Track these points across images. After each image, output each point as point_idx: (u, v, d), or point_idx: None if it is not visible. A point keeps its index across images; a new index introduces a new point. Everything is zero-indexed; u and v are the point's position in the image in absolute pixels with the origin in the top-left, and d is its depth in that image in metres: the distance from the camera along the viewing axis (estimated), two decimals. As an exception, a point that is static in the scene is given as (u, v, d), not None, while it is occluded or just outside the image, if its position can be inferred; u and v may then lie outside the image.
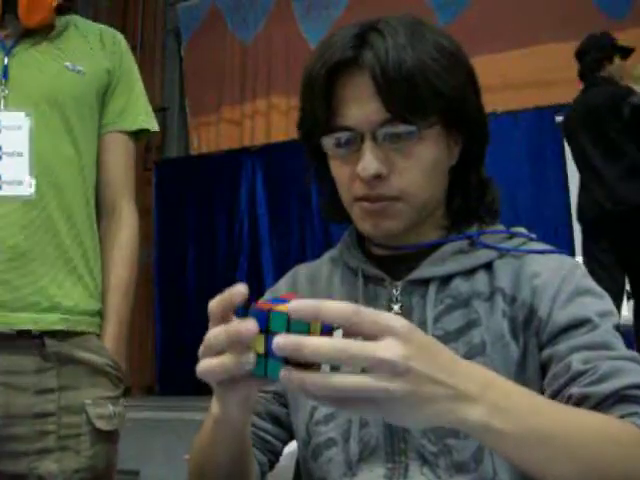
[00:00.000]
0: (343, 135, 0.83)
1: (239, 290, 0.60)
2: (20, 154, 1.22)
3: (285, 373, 0.55)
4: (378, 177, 0.81)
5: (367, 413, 0.59)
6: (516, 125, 4.52)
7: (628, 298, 3.34)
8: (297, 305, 0.55)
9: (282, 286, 0.98)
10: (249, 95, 5.68)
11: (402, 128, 0.80)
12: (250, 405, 0.70)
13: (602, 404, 0.72)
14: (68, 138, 1.27)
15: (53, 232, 1.23)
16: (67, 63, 1.29)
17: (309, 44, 5.32)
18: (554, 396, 0.75)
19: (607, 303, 0.82)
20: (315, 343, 0.54)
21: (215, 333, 0.61)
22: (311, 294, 0.94)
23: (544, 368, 0.80)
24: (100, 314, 1.29)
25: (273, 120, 5.55)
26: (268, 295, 0.98)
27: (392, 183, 0.82)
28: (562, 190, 4.35)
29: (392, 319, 0.56)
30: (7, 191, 1.19)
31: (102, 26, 1.42)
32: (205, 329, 0.63)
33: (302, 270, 0.98)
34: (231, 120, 5.75)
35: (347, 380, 0.55)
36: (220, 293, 0.62)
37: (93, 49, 1.35)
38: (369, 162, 0.80)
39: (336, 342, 0.55)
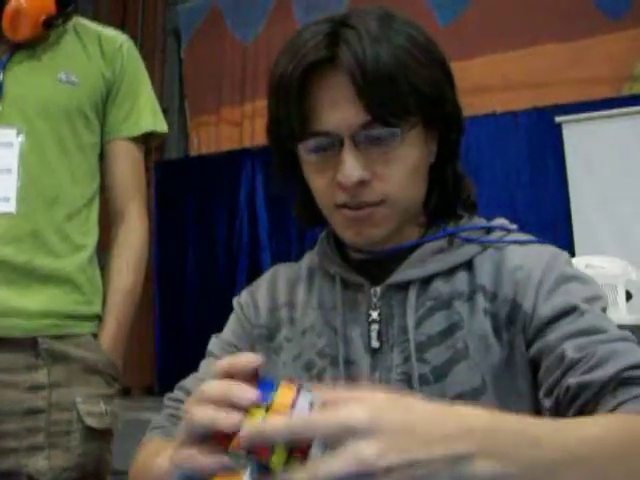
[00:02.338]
0: (320, 140, 0.78)
1: (252, 359, 0.60)
2: (9, 171, 1.21)
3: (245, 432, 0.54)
4: (361, 183, 0.77)
5: None
6: (515, 125, 4.52)
7: (627, 298, 3.34)
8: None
9: (261, 286, 0.95)
10: (249, 96, 5.67)
11: (384, 131, 0.76)
12: None
13: (603, 390, 0.69)
14: (59, 151, 1.26)
15: (44, 244, 1.22)
16: (61, 75, 1.27)
17: (309, 45, 5.32)
18: (552, 389, 0.73)
19: (594, 288, 0.79)
20: (272, 421, 0.53)
21: (212, 385, 0.59)
22: (290, 297, 0.91)
23: (535, 363, 0.77)
24: (99, 317, 1.28)
25: (273, 121, 5.55)
26: (246, 296, 0.95)
27: (375, 188, 0.78)
28: (561, 190, 4.35)
29: (350, 416, 0.51)
30: None
31: (103, 30, 1.38)
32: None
33: (281, 271, 0.95)
34: (231, 121, 5.75)
35: (330, 466, 0.50)
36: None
37: (91, 57, 1.32)
38: (351, 169, 0.76)
39: (294, 422, 0.53)
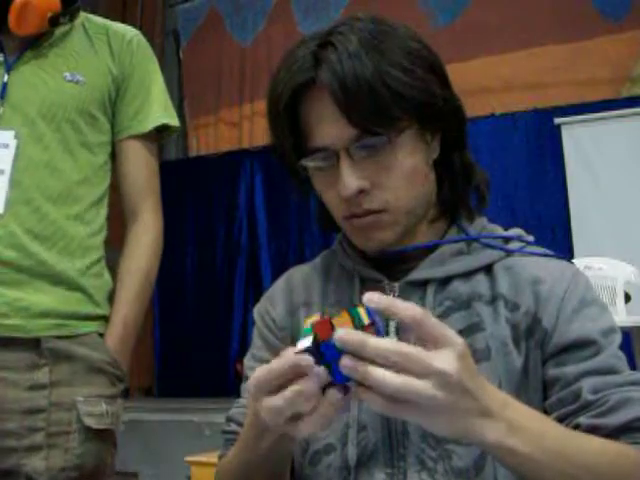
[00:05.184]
0: (319, 156, 0.81)
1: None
2: (2, 172, 1.20)
3: (347, 362, 0.58)
4: (361, 192, 0.80)
5: (410, 417, 0.62)
6: (514, 127, 4.52)
7: (626, 300, 3.34)
8: (372, 297, 0.60)
9: (277, 290, 0.96)
10: (248, 97, 5.68)
11: (373, 140, 0.79)
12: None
13: (611, 434, 0.73)
14: (62, 151, 1.25)
15: (46, 245, 1.21)
16: (66, 73, 1.27)
17: (308, 46, 5.32)
18: (560, 421, 0.75)
19: (610, 318, 0.82)
20: (377, 341, 0.58)
21: (274, 365, 0.62)
22: (306, 297, 0.92)
23: (545, 385, 0.80)
24: (105, 317, 1.27)
25: (272, 122, 5.55)
26: (264, 302, 0.96)
27: (376, 196, 0.81)
28: (560, 192, 4.36)
29: (452, 332, 0.60)
30: None
31: (112, 25, 1.37)
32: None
33: (297, 273, 0.96)
34: (230, 122, 5.75)
35: (401, 380, 0.58)
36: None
37: (98, 53, 1.32)
38: (348, 181, 0.79)
39: (396, 343, 0.59)
